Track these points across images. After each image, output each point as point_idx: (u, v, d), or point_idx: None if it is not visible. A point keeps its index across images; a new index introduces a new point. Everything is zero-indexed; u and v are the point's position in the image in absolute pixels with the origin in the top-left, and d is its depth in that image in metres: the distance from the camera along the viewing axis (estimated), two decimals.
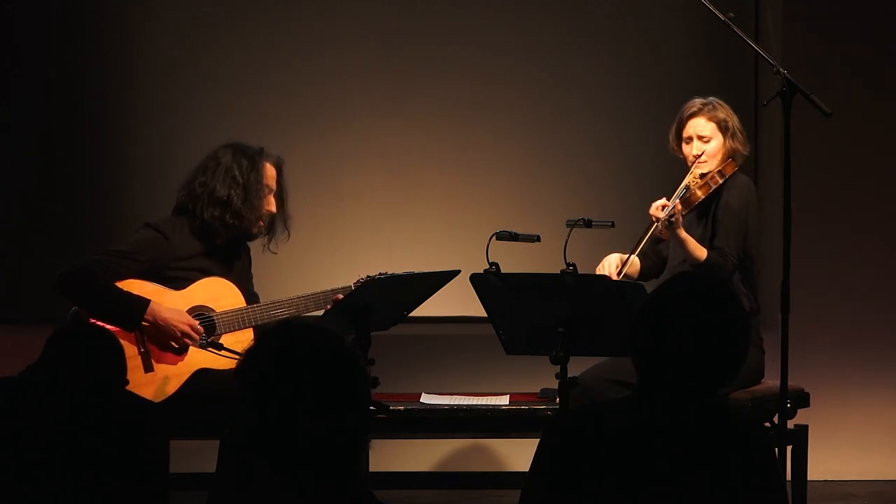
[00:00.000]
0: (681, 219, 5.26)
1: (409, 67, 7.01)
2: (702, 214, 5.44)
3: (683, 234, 5.28)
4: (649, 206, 5.34)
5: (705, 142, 5.42)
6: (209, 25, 6.99)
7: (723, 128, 5.42)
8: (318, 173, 6.92)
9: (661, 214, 5.24)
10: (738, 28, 5.21)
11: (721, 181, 5.41)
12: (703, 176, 5.40)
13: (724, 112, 5.44)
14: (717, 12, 5.21)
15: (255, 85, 6.97)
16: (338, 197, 7.00)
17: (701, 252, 5.29)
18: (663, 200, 5.30)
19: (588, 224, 5.11)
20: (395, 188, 7.03)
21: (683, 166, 5.49)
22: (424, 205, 7.04)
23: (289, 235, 5.49)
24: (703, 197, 5.38)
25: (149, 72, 6.97)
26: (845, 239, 6.76)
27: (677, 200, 5.30)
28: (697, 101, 5.47)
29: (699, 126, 5.43)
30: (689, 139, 5.45)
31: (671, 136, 5.51)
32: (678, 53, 7.03)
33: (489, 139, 7.03)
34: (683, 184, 5.38)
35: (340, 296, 5.27)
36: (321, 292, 5.38)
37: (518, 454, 6.38)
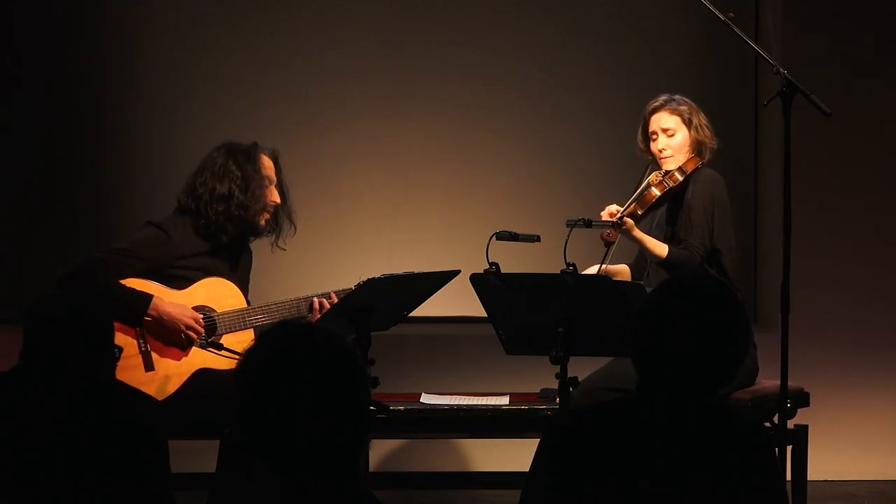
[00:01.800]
0: (630, 222, 5.25)
1: (409, 67, 7.01)
2: (672, 211, 5.43)
3: (639, 234, 5.27)
4: None
5: (669, 135, 5.41)
6: (209, 25, 6.99)
7: (686, 121, 5.41)
8: (318, 173, 6.92)
9: (610, 220, 5.24)
10: (738, 28, 5.21)
11: (681, 178, 5.38)
12: (666, 173, 5.39)
13: (687, 106, 5.43)
14: (717, 12, 5.20)
15: (255, 85, 6.97)
16: (338, 197, 7.00)
17: (661, 249, 5.29)
18: (616, 207, 5.30)
19: (588, 224, 5.11)
20: (395, 188, 7.03)
21: None
22: (424, 205, 7.04)
23: (295, 229, 5.49)
24: (659, 195, 5.35)
25: (149, 72, 6.98)
26: (845, 239, 6.75)
27: (625, 209, 5.27)
28: (660, 98, 5.47)
29: (662, 119, 5.43)
30: (655, 135, 5.44)
31: (639, 138, 5.50)
32: (678, 53, 7.03)
33: (489, 139, 7.03)
34: (644, 183, 5.37)
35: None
36: (322, 293, 5.37)
37: (518, 454, 6.36)
